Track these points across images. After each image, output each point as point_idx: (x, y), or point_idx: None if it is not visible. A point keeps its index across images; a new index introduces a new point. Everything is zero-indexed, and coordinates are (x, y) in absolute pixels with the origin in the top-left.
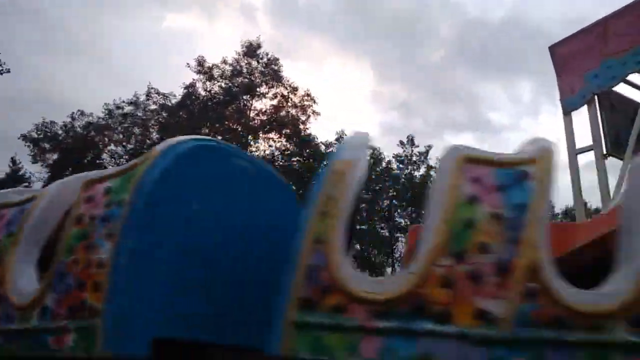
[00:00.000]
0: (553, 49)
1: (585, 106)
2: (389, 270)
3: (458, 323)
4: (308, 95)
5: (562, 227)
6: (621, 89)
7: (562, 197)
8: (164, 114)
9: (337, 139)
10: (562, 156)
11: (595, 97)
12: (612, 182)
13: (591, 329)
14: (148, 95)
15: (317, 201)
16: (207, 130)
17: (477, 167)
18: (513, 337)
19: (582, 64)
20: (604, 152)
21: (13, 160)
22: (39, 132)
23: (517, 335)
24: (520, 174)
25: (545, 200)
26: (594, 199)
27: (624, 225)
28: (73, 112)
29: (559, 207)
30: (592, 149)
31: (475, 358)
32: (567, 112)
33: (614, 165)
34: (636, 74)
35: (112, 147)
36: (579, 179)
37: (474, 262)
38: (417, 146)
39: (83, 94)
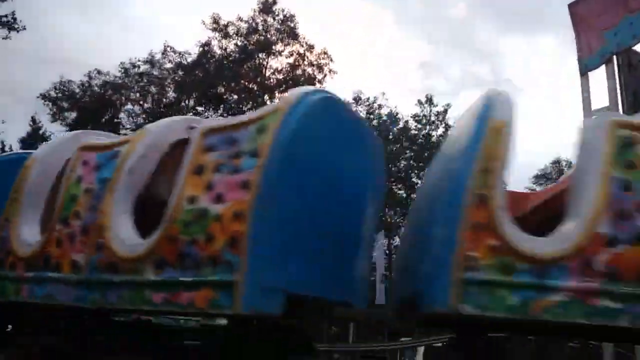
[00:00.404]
0: (572, 7)
1: (604, 66)
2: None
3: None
4: (325, 53)
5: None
6: None
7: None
8: (180, 73)
9: (354, 99)
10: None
11: (614, 57)
12: None
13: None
14: (164, 53)
15: (478, 158)
16: (222, 89)
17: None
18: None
19: (602, 22)
20: (621, 112)
21: (33, 119)
22: (57, 91)
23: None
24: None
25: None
26: None
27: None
28: (90, 71)
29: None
30: (608, 110)
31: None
32: (584, 73)
33: None
34: None
35: (129, 106)
36: None
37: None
38: (436, 105)
39: (99, 53)
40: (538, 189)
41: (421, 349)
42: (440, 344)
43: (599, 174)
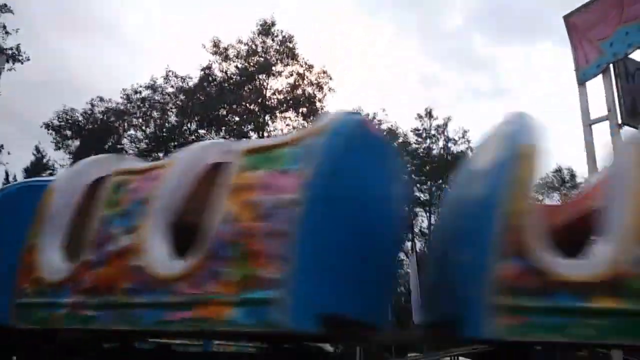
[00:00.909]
0: (567, 18)
1: (601, 76)
2: (408, 244)
3: None
4: (324, 72)
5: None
6: (638, 56)
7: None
8: (182, 97)
9: None
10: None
11: (611, 66)
12: None
13: None
14: (166, 78)
15: (509, 183)
16: (224, 112)
17: None
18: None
19: (597, 32)
20: (619, 121)
21: (37, 149)
22: (60, 120)
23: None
24: None
25: None
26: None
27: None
28: (92, 99)
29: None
30: (607, 119)
31: None
32: (582, 82)
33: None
34: None
35: (131, 131)
36: (594, 149)
37: None
38: (436, 118)
39: (100, 79)
40: (541, 197)
41: None
42: (448, 359)
43: (633, 196)
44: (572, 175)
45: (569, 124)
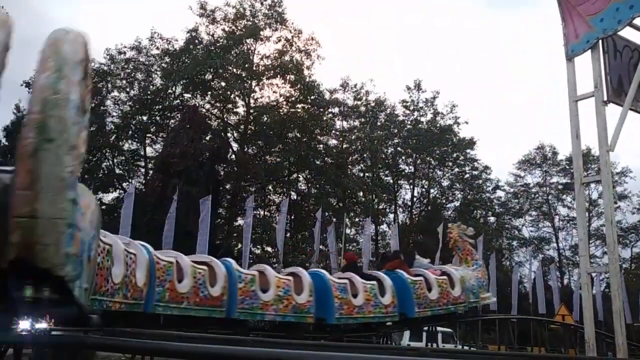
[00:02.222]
0: None
1: (589, 52)
2: (391, 216)
3: None
4: (313, 38)
5: None
6: (627, 33)
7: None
8: (167, 59)
9: (341, 85)
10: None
11: (600, 42)
12: (611, 129)
13: None
14: (151, 39)
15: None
16: (210, 76)
17: None
18: None
19: (588, 7)
20: (605, 98)
21: (17, 107)
22: None
23: None
24: None
25: None
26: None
27: None
28: None
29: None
30: (592, 96)
31: None
32: (570, 58)
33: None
34: None
35: (115, 93)
36: (579, 126)
37: None
38: (424, 91)
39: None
40: (522, 174)
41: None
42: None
43: None
44: (554, 152)
45: (553, 98)
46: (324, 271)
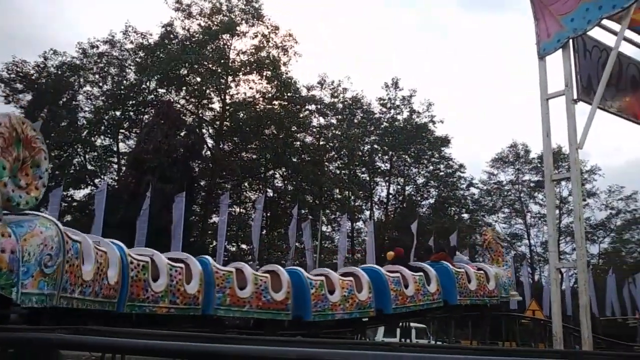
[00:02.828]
0: None
1: (560, 50)
2: (367, 213)
3: None
4: (290, 35)
5: None
6: (596, 33)
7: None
8: (141, 54)
9: (319, 82)
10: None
11: (570, 42)
12: (580, 127)
13: None
14: (125, 33)
15: None
16: (185, 71)
17: None
18: None
19: (560, 6)
20: (575, 97)
21: None
22: (9, 72)
23: None
24: None
25: None
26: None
27: None
28: (45, 51)
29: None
30: (563, 94)
31: None
32: (542, 56)
33: (584, 110)
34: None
35: (87, 87)
36: (549, 124)
37: None
38: (402, 89)
39: (54, 31)
40: (495, 172)
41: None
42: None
43: None
44: (527, 151)
45: (525, 98)
46: (378, 267)
